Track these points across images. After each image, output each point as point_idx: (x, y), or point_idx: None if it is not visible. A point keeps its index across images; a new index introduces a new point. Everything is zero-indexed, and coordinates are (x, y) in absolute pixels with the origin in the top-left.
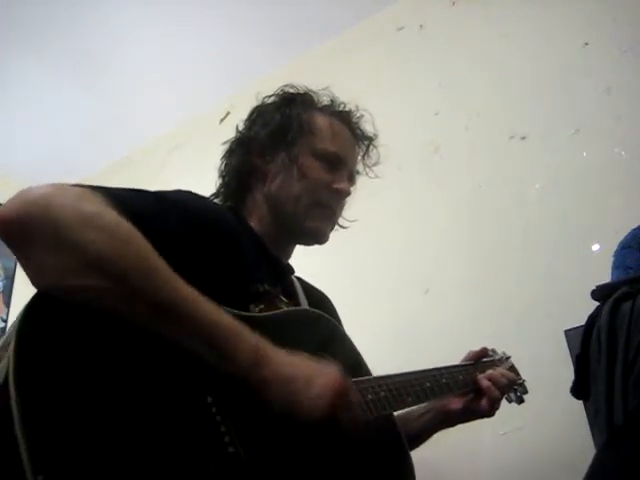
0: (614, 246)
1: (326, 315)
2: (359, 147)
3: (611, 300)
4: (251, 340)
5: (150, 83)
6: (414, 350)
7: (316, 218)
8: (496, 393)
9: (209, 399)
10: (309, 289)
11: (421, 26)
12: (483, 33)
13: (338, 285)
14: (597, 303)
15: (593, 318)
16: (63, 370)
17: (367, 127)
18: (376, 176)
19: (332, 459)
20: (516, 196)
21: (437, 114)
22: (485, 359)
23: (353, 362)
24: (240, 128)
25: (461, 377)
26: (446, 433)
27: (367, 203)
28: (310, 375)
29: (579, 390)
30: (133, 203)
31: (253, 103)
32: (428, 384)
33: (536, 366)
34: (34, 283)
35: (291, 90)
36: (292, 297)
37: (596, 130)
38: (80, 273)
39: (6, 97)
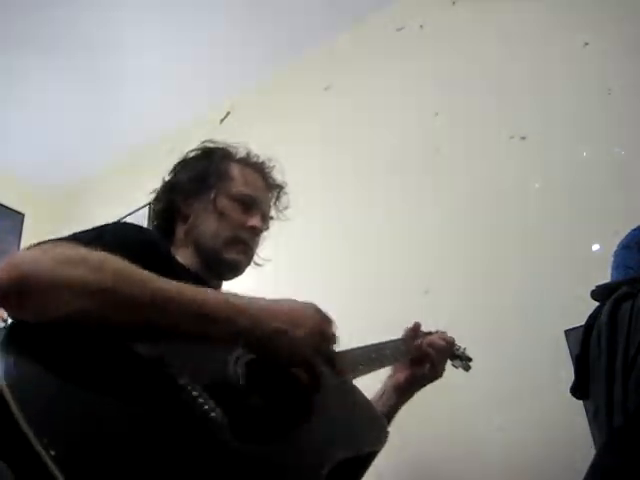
0: (614, 246)
1: None
2: (271, 194)
3: (611, 300)
4: (242, 304)
5: (150, 83)
6: None
7: (233, 251)
8: (433, 353)
9: (181, 381)
10: None
11: (421, 26)
12: (483, 33)
13: (338, 285)
14: (597, 303)
15: (593, 318)
16: (49, 364)
17: (278, 176)
18: (287, 219)
19: (308, 415)
20: (516, 196)
21: (437, 114)
22: (424, 331)
23: None
24: (166, 179)
25: (403, 348)
26: (446, 433)
27: (367, 203)
28: (299, 316)
29: (579, 390)
30: (84, 241)
31: (253, 103)
32: (374, 355)
33: (536, 366)
34: (37, 321)
35: (211, 144)
36: None
37: (596, 130)
38: (76, 302)
39: (6, 97)
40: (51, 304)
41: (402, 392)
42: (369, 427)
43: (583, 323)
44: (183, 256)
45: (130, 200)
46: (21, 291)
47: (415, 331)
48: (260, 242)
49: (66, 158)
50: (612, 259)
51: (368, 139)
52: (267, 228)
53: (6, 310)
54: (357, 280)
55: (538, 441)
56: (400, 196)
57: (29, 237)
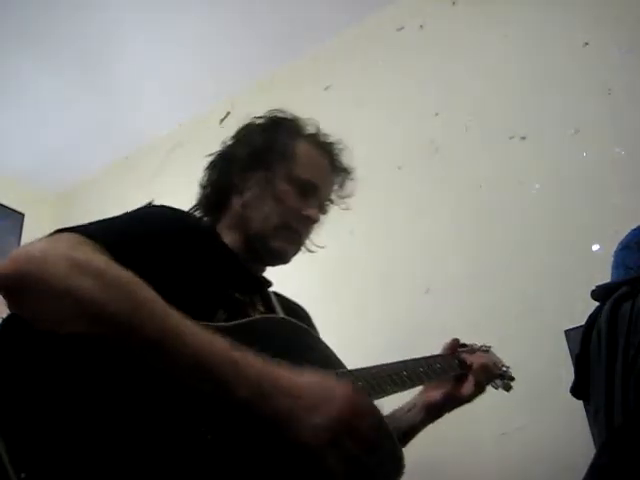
0: (614, 246)
1: (294, 320)
2: (335, 178)
3: (611, 300)
4: (253, 368)
5: (150, 83)
6: (414, 350)
7: (281, 239)
8: (481, 377)
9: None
10: (286, 303)
11: (421, 26)
12: (483, 33)
13: (339, 285)
14: (597, 303)
15: (593, 318)
16: (35, 379)
17: (347, 160)
18: (347, 208)
19: None
20: (516, 196)
21: (437, 114)
22: (463, 348)
23: (327, 366)
24: (227, 142)
25: (439, 366)
26: (446, 433)
27: (367, 203)
28: (315, 400)
29: (579, 390)
30: (115, 229)
31: (253, 103)
32: (405, 373)
33: (536, 366)
34: (32, 323)
35: (280, 115)
36: (270, 310)
37: (596, 130)
38: (76, 319)
39: (7, 97)
40: (50, 311)
41: (434, 410)
42: (391, 463)
43: (583, 323)
44: (228, 234)
45: (130, 200)
46: (22, 289)
47: (454, 348)
48: (313, 230)
49: (66, 158)
50: (612, 259)
51: (368, 139)
52: (325, 212)
53: (6, 301)
54: (357, 279)
55: (538, 441)
56: (400, 196)
57: (29, 237)
